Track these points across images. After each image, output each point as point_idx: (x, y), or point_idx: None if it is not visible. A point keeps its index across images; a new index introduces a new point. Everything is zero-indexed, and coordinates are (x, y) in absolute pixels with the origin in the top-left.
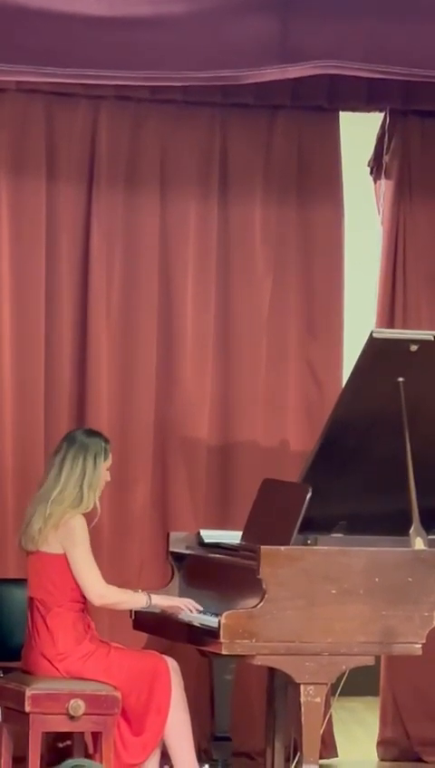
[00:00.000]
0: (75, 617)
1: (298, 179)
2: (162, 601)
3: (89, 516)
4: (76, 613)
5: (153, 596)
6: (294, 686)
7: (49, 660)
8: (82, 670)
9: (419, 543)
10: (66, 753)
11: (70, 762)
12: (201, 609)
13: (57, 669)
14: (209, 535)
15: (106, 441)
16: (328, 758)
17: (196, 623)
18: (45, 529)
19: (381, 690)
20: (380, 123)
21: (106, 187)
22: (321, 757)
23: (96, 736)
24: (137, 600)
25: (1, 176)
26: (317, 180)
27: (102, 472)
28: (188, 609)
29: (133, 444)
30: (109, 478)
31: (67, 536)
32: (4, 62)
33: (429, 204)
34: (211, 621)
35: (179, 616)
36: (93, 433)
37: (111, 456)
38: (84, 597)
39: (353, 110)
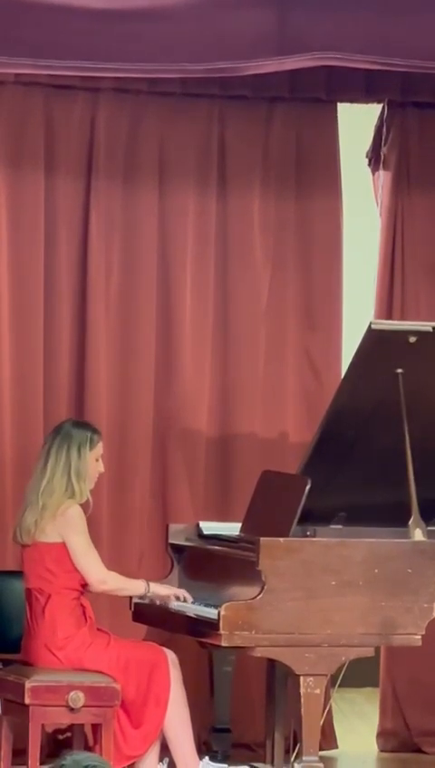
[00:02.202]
0: (73, 604)
1: (296, 171)
2: (160, 589)
3: (82, 508)
4: (74, 600)
5: (152, 584)
6: (293, 678)
7: (49, 649)
8: (82, 659)
9: (418, 535)
10: (66, 746)
11: (71, 758)
12: (192, 599)
13: (57, 658)
14: (209, 527)
15: (94, 431)
16: (328, 749)
17: (190, 613)
18: (42, 521)
19: (380, 681)
20: (378, 114)
21: (104, 180)
22: (321, 748)
23: (96, 728)
24: (136, 586)
25: None
26: (315, 172)
27: (89, 462)
28: (180, 598)
29: (132, 435)
30: (102, 469)
31: (65, 525)
32: (2, 55)
33: (427, 195)
34: (211, 613)
35: (170, 606)
36: (81, 424)
37: (100, 445)
38: (81, 585)
39: (352, 101)
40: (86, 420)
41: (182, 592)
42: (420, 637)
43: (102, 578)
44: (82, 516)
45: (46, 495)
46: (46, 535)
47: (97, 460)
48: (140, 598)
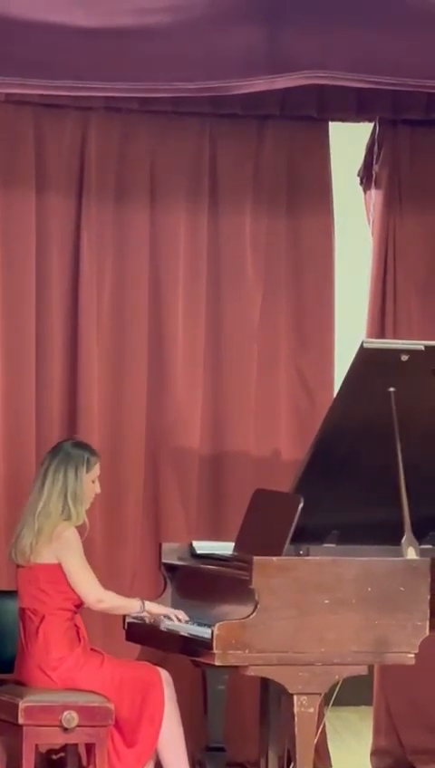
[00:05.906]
0: (67, 624)
1: (288, 189)
2: (155, 608)
3: (79, 531)
4: (67, 621)
5: (146, 602)
6: (287, 697)
7: (43, 669)
8: (76, 679)
9: (411, 553)
10: (60, 766)
11: None
12: (187, 618)
13: (51, 678)
14: (202, 546)
15: (92, 453)
16: None
17: (183, 632)
18: (37, 544)
19: (374, 700)
20: (370, 133)
21: (96, 199)
22: (315, 767)
23: (90, 748)
24: (132, 605)
25: None
26: (307, 190)
27: (86, 483)
28: (177, 618)
29: (125, 454)
30: (98, 490)
31: (61, 547)
32: None
33: (418, 213)
34: (204, 632)
35: (161, 625)
36: (80, 444)
37: (97, 467)
38: (75, 606)
39: (343, 120)
40: (84, 441)
41: (175, 612)
42: (413, 655)
43: (99, 597)
44: (77, 538)
45: (42, 518)
46: (42, 557)
47: (93, 482)
48: (136, 616)
